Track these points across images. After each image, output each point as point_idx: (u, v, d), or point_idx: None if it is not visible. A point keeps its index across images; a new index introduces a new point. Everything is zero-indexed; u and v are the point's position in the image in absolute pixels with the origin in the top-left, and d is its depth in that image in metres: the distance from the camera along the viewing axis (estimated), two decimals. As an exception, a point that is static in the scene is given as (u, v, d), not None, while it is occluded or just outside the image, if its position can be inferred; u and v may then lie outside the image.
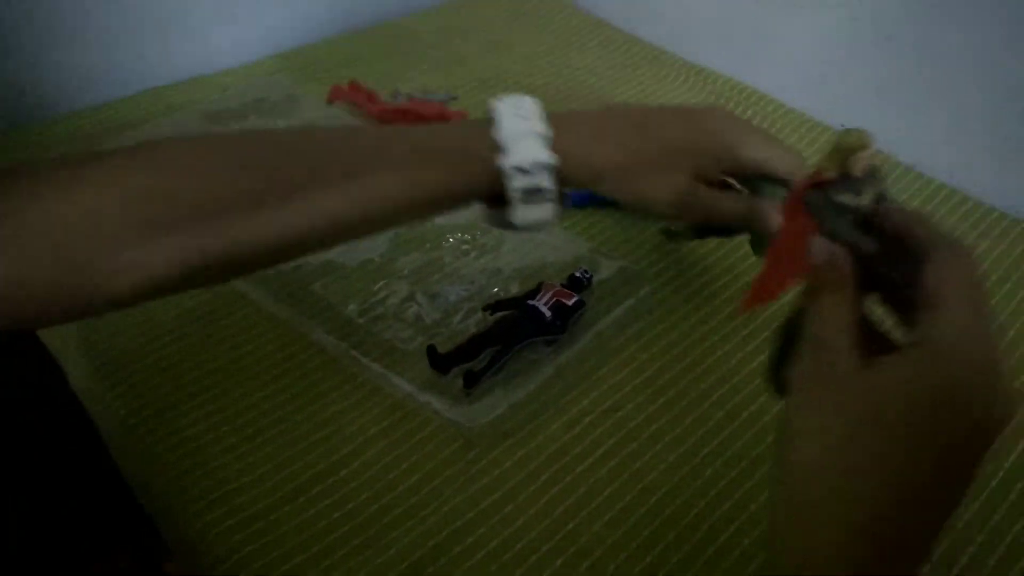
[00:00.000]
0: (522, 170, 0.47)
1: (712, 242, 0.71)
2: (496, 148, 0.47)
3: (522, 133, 0.47)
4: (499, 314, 0.59)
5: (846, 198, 0.38)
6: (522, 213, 0.49)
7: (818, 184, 0.40)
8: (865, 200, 0.38)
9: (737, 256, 0.70)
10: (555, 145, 0.48)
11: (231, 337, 0.60)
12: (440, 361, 0.56)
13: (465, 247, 0.67)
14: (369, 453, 0.53)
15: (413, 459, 0.53)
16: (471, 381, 0.54)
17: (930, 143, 0.81)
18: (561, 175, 0.48)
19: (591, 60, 0.98)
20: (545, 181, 0.48)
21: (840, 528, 0.34)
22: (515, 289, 0.63)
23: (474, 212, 0.69)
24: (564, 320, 0.58)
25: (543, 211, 0.49)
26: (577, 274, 0.62)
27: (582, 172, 0.49)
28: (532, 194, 0.48)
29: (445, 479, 0.52)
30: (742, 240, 0.71)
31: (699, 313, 0.64)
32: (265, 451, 0.53)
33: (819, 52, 0.88)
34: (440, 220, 0.69)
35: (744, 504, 0.51)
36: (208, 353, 0.59)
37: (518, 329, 0.57)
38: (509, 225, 0.50)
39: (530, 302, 0.59)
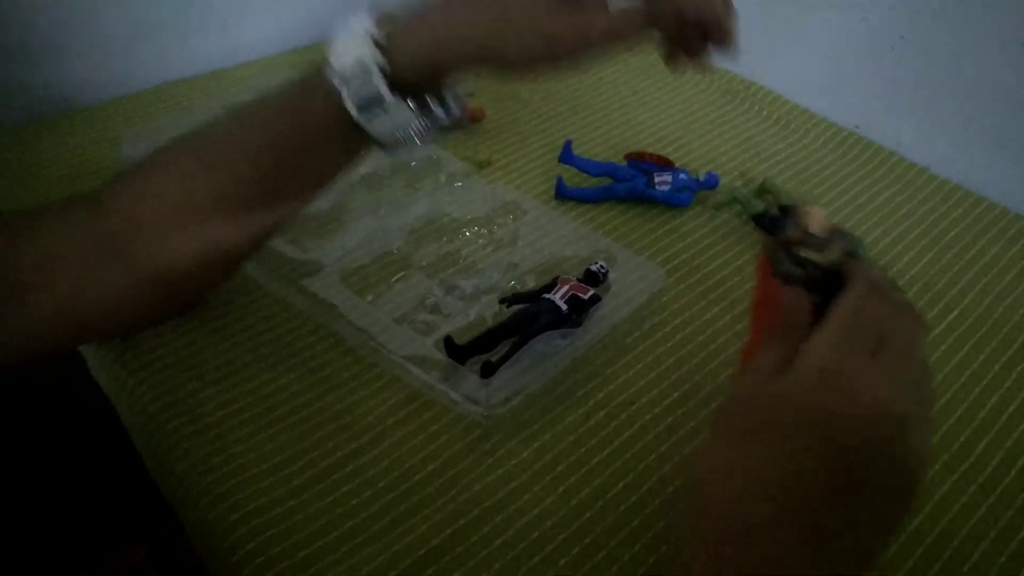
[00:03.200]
0: (347, 78, 0.43)
1: (727, 239, 0.71)
2: (326, 62, 0.44)
3: (344, 36, 0.44)
4: (516, 307, 0.60)
5: (809, 254, 0.41)
6: (375, 128, 0.45)
7: (785, 244, 0.42)
8: (832, 256, 0.40)
9: (752, 253, 0.70)
10: (389, 46, 0.44)
11: (250, 327, 0.61)
12: (457, 352, 0.56)
13: (482, 241, 0.68)
14: (387, 442, 0.54)
15: (430, 448, 0.54)
16: (488, 372, 0.54)
17: (943, 144, 0.82)
18: (406, 70, 0.44)
19: (607, 59, 0.98)
20: (376, 85, 0.43)
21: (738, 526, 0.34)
22: (531, 283, 0.63)
23: (489, 205, 0.70)
24: (580, 314, 0.58)
25: (396, 119, 0.45)
26: (593, 268, 0.62)
27: (428, 56, 0.45)
28: (370, 102, 0.44)
29: (462, 468, 0.53)
30: (757, 239, 0.71)
31: (714, 309, 0.65)
32: (284, 439, 0.54)
33: (832, 53, 0.88)
34: (456, 214, 0.70)
35: (758, 498, 0.52)
36: (228, 342, 0.60)
37: (534, 322, 0.57)
38: (387, 147, 0.47)
39: (546, 295, 0.59)
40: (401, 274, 0.64)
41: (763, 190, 0.74)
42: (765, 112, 0.90)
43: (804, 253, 0.41)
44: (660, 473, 0.53)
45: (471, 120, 0.84)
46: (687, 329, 0.63)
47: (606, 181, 0.75)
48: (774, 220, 0.70)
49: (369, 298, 0.62)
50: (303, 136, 0.46)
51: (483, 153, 0.79)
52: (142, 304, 0.49)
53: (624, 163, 0.76)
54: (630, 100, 0.90)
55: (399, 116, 0.45)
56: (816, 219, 0.42)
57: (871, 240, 0.72)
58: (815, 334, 0.36)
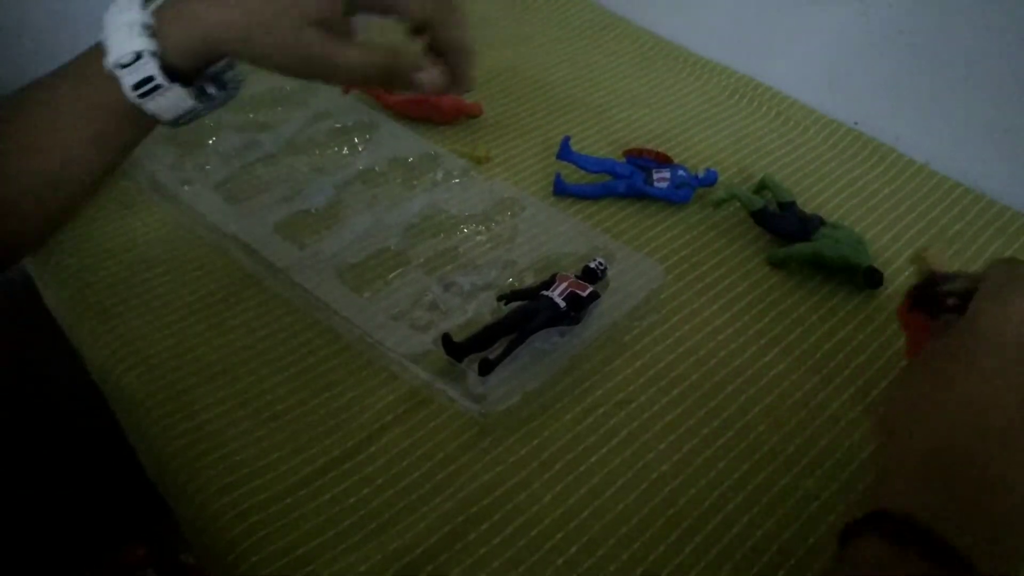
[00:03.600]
0: (124, 65, 0.46)
1: (726, 236, 0.71)
2: (103, 52, 0.47)
3: (116, 27, 0.47)
4: (514, 304, 0.59)
5: (950, 286, 0.48)
6: (151, 107, 0.48)
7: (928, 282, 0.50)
8: (966, 283, 0.47)
9: (753, 249, 0.70)
10: (159, 32, 0.47)
11: (246, 323, 0.61)
12: (455, 349, 0.56)
13: (480, 237, 0.68)
14: (384, 439, 0.54)
15: (428, 446, 0.53)
16: (486, 369, 0.54)
17: (943, 140, 0.81)
18: (178, 55, 0.47)
19: (605, 54, 0.98)
20: (150, 70, 0.47)
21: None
22: (530, 279, 0.63)
23: (487, 202, 0.70)
24: (578, 311, 0.58)
25: (171, 99, 0.48)
26: (592, 265, 0.62)
27: (197, 46, 0.48)
28: (146, 86, 0.47)
29: (459, 466, 0.52)
30: (757, 236, 0.71)
31: (713, 306, 0.65)
32: (280, 436, 0.53)
33: (832, 48, 0.88)
34: (454, 210, 0.70)
35: (756, 496, 0.52)
36: (224, 338, 0.59)
37: (533, 319, 0.57)
38: (171, 123, 0.50)
39: (545, 292, 0.59)
40: (399, 271, 0.64)
41: (762, 187, 0.74)
42: (764, 108, 0.89)
43: (947, 287, 0.48)
44: (658, 472, 0.53)
45: (468, 115, 0.83)
46: (686, 327, 0.63)
47: (605, 178, 0.75)
48: (773, 217, 0.70)
49: (367, 295, 0.61)
50: (85, 120, 0.49)
51: (480, 149, 0.78)
52: None
53: (623, 160, 0.76)
54: (628, 96, 0.90)
55: (175, 97, 0.48)
56: (938, 258, 0.52)
57: (870, 237, 0.71)
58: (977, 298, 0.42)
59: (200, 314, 0.61)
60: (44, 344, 0.69)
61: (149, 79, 0.47)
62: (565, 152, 0.75)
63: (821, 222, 0.69)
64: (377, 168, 0.74)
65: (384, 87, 0.52)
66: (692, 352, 0.61)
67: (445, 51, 0.50)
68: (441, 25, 0.50)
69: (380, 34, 0.51)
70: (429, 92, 0.51)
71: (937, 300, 0.48)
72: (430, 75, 0.50)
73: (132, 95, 0.47)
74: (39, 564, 0.86)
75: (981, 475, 0.35)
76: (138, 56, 0.46)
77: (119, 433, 0.60)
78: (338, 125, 0.79)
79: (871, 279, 0.65)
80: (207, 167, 0.72)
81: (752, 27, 0.94)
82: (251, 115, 0.78)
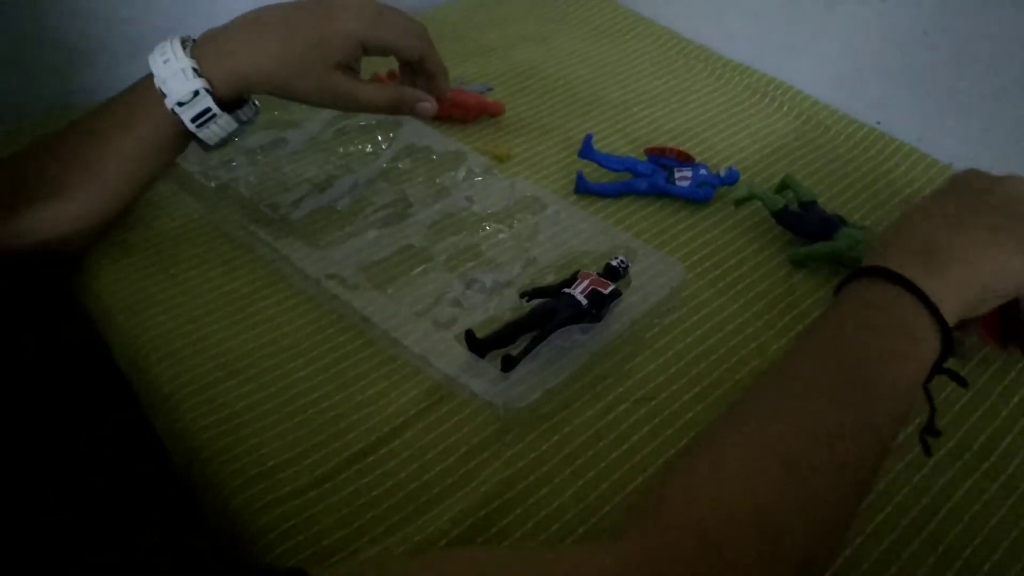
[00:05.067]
0: (183, 103, 0.58)
1: (747, 235, 0.71)
2: (161, 93, 0.58)
3: (171, 73, 0.58)
4: (536, 301, 0.60)
5: None
6: (205, 134, 0.61)
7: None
8: None
9: (773, 249, 0.70)
10: (204, 71, 0.58)
11: (272, 318, 0.62)
12: (478, 345, 0.56)
13: (502, 235, 0.68)
14: (407, 433, 0.54)
15: (450, 440, 0.54)
16: (509, 365, 0.55)
17: (965, 139, 0.81)
18: (221, 90, 0.59)
19: (626, 53, 0.98)
20: (207, 103, 0.59)
21: None
22: (551, 277, 0.64)
23: (509, 200, 0.71)
24: (600, 308, 0.58)
25: (221, 125, 0.61)
26: (613, 263, 0.62)
27: (236, 83, 0.60)
28: (203, 117, 0.59)
29: (481, 461, 0.53)
30: (779, 235, 0.71)
31: (733, 306, 0.65)
32: (305, 429, 0.54)
33: (854, 48, 0.88)
34: (477, 208, 0.70)
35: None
36: (249, 332, 0.60)
37: (555, 316, 0.57)
38: (211, 146, 0.62)
39: (566, 290, 0.59)
40: (421, 268, 0.65)
41: (783, 186, 0.74)
42: (785, 108, 0.89)
43: None
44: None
45: (490, 114, 0.84)
46: (707, 324, 0.63)
47: (626, 176, 0.75)
48: (794, 216, 0.70)
49: (390, 291, 0.62)
50: (138, 143, 0.60)
51: (502, 147, 0.79)
52: None
53: (644, 158, 0.76)
54: (650, 95, 0.90)
55: (224, 123, 0.61)
56: None
57: (892, 237, 0.71)
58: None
59: (226, 309, 0.62)
60: (73, 332, 0.70)
61: (206, 111, 0.59)
62: (587, 150, 0.75)
63: (842, 221, 0.69)
64: (401, 165, 0.75)
65: (392, 113, 0.65)
66: (713, 349, 0.61)
67: (430, 73, 0.67)
68: (427, 58, 0.66)
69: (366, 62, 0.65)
70: (425, 116, 0.66)
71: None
72: (430, 104, 0.66)
73: (191, 126, 0.59)
74: (51, 548, 0.87)
75: (948, 257, 0.49)
76: (195, 93, 0.58)
77: (136, 425, 0.61)
78: (363, 123, 0.80)
79: (893, 279, 0.65)
80: (233, 164, 0.73)
81: (774, 27, 0.94)
82: (276, 112, 0.79)
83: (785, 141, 0.84)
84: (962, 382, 0.50)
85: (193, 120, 0.59)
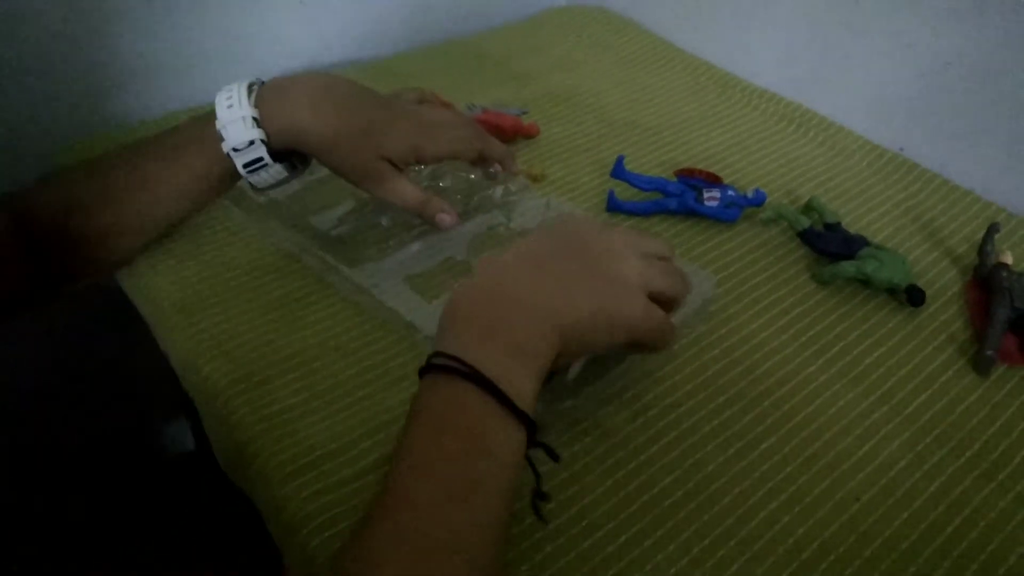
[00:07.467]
0: (238, 150, 0.60)
1: (773, 254, 0.74)
2: (219, 136, 0.60)
3: (232, 119, 0.60)
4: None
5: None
6: (255, 179, 0.63)
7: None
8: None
9: (800, 267, 0.73)
10: (263, 121, 0.60)
11: (320, 321, 0.65)
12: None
13: (538, 248, 0.71)
14: (447, 431, 0.57)
15: (487, 439, 0.57)
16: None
17: (989, 167, 0.83)
18: (276, 142, 0.61)
19: (657, 80, 1.02)
20: (260, 153, 0.61)
21: None
22: (584, 289, 0.66)
23: (545, 217, 0.74)
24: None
25: (272, 173, 0.63)
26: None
27: (290, 140, 0.62)
28: (255, 165, 0.62)
29: (517, 458, 0.56)
30: (802, 254, 0.74)
31: (760, 320, 0.67)
32: (351, 423, 0.57)
33: (879, 78, 0.91)
34: (514, 224, 0.74)
35: (798, 496, 0.54)
36: (299, 334, 0.64)
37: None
38: (259, 189, 0.65)
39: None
40: (463, 279, 0.68)
41: (809, 208, 0.76)
42: (811, 134, 0.92)
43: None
44: (704, 471, 0.56)
45: (526, 136, 0.88)
46: (734, 338, 0.66)
47: (656, 196, 0.78)
48: (819, 236, 0.73)
49: (434, 302, 0.65)
50: (191, 176, 0.63)
51: (537, 167, 0.82)
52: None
53: (674, 179, 0.79)
54: (681, 120, 0.94)
55: (274, 172, 0.63)
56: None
57: (913, 258, 0.74)
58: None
59: (276, 312, 0.66)
60: (127, 335, 0.74)
61: (259, 159, 0.61)
62: (619, 171, 0.79)
63: (865, 242, 0.71)
64: (441, 184, 0.78)
65: (416, 215, 0.67)
66: (739, 362, 0.64)
67: (493, 160, 0.71)
68: (486, 152, 0.69)
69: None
70: (443, 229, 0.68)
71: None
72: (451, 217, 0.67)
73: (243, 171, 0.62)
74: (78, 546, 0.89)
75: (494, 326, 0.47)
76: (251, 143, 0.60)
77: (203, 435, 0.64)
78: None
79: (913, 297, 0.68)
80: (283, 178, 0.77)
81: (802, 57, 0.97)
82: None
83: (811, 166, 0.87)
84: (555, 457, 0.48)
85: (245, 166, 0.61)
